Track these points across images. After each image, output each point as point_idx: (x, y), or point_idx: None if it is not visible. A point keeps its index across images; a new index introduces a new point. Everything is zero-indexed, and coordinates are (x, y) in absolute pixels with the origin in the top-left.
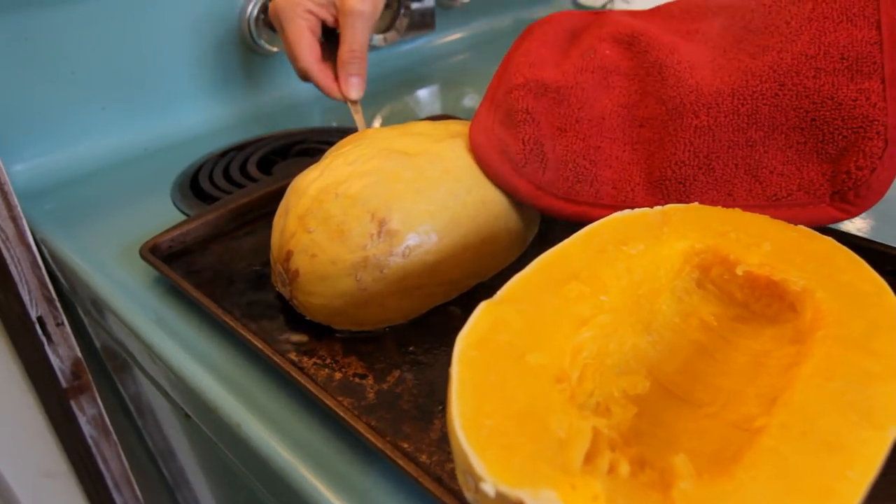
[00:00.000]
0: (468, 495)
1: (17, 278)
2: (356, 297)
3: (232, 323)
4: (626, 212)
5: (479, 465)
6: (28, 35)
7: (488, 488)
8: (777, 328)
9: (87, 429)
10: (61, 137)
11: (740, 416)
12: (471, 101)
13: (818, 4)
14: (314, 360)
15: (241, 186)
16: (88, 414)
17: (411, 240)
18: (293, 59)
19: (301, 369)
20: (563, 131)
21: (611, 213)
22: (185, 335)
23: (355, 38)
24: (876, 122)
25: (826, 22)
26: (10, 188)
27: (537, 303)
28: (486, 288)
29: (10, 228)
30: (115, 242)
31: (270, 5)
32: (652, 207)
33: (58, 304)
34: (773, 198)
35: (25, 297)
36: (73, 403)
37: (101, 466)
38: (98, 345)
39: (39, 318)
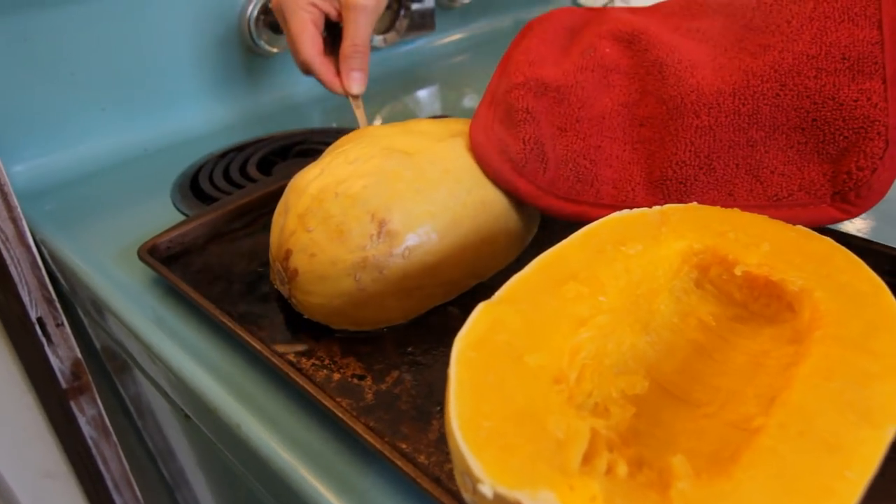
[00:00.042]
0: (466, 496)
1: (16, 279)
2: (355, 298)
3: (230, 324)
4: (625, 212)
5: (476, 466)
6: (28, 36)
7: (486, 490)
8: (775, 328)
9: (86, 429)
10: (61, 138)
11: (739, 416)
12: (471, 101)
13: (819, 4)
14: (313, 360)
15: (241, 187)
16: (88, 414)
17: (411, 241)
18: (295, 52)
19: (299, 370)
20: (563, 131)
21: (611, 213)
22: (185, 336)
23: (358, 32)
24: (877, 123)
25: (827, 21)
26: (9, 189)
27: (536, 303)
28: (485, 288)
29: (9, 229)
30: (115, 243)
31: None
32: (651, 207)
33: (58, 305)
34: (774, 198)
35: (25, 298)
36: (73, 404)
37: (101, 467)
38: (98, 345)
39: (39, 319)
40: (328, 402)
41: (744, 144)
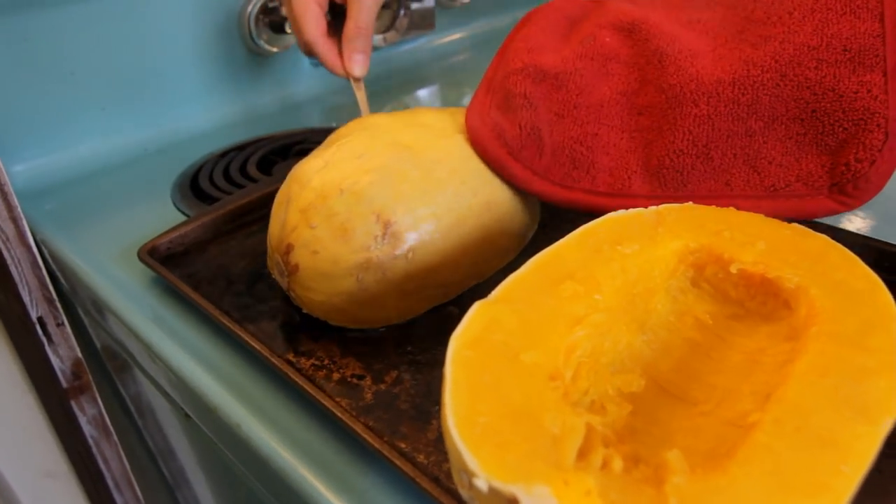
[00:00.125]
0: (463, 493)
1: (17, 279)
2: (356, 297)
3: (230, 324)
4: (621, 212)
5: (472, 461)
6: (28, 36)
7: (481, 484)
8: (772, 325)
9: (87, 429)
10: (61, 138)
11: (735, 414)
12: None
13: None
14: (312, 360)
15: (241, 187)
16: (89, 414)
17: (415, 243)
18: (298, 32)
19: (299, 370)
20: (560, 117)
21: (607, 201)
22: (185, 335)
23: (361, 14)
24: (877, 115)
25: (829, 13)
26: (10, 189)
27: (532, 302)
28: (484, 287)
29: (10, 229)
30: (116, 243)
31: None
32: (648, 196)
33: (58, 305)
34: (771, 188)
35: (26, 298)
36: (73, 403)
37: (102, 466)
38: (98, 345)
39: (40, 319)
40: (327, 402)
41: (742, 134)
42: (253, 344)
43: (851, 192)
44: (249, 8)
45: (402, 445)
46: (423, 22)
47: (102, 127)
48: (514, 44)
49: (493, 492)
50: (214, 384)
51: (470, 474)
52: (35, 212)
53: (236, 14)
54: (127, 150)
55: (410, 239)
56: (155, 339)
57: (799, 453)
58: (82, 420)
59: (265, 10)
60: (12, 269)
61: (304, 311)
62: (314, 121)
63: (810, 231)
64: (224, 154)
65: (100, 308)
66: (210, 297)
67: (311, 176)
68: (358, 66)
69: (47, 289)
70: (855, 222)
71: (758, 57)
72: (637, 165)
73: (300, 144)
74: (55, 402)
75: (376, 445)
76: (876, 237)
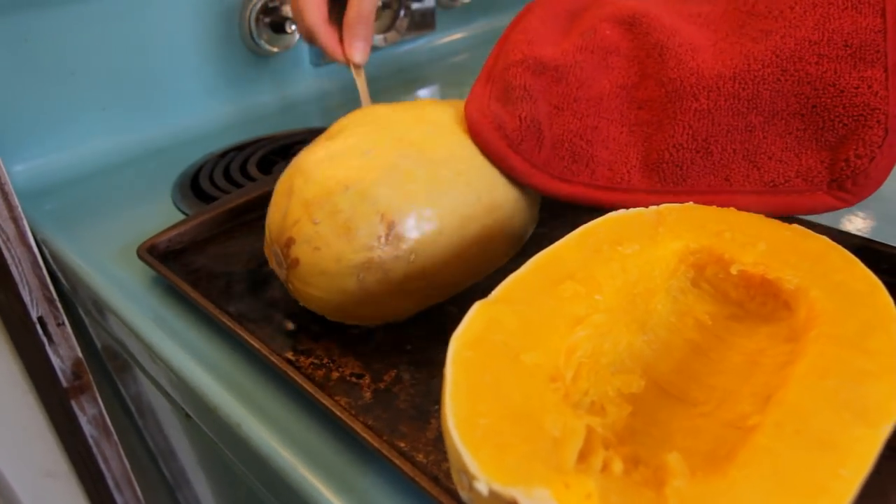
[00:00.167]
0: (463, 494)
1: (17, 279)
2: (356, 296)
3: (230, 323)
4: (622, 212)
5: (472, 463)
6: (28, 36)
7: (481, 487)
8: (771, 327)
9: (87, 429)
10: (61, 137)
11: (735, 415)
12: None
13: None
14: (311, 359)
15: (241, 187)
16: (89, 414)
17: (418, 244)
18: (299, 18)
19: (298, 369)
20: (560, 110)
21: (606, 195)
22: (185, 335)
23: (363, 2)
24: (877, 111)
25: (831, 8)
26: (10, 188)
27: (532, 303)
28: (483, 287)
29: (10, 229)
30: (116, 242)
31: None
32: (647, 190)
33: (58, 305)
34: (771, 184)
35: (26, 298)
36: (73, 403)
37: (102, 466)
38: (99, 345)
39: (40, 319)
40: (326, 401)
41: (742, 129)
42: (252, 342)
43: (850, 188)
44: (249, 8)
45: (402, 444)
46: (424, 22)
47: (103, 127)
48: (513, 35)
49: (494, 494)
50: (214, 384)
51: (470, 476)
52: (35, 211)
53: (236, 14)
54: (127, 150)
55: (413, 240)
56: (155, 339)
57: (798, 456)
58: (83, 420)
59: (265, 10)
60: (13, 268)
61: (301, 303)
62: (314, 121)
63: (811, 232)
64: (224, 154)
65: (100, 308)
66: (209, 295)
67: (314, 167)
68: (358, 52)
69: (48, 288)
70: (855, 223)
71: (758, 51)
72: (636, 159)
73: (300, 144)
74: (55, 401)
75: (375, 444)
76: (876, 238)
